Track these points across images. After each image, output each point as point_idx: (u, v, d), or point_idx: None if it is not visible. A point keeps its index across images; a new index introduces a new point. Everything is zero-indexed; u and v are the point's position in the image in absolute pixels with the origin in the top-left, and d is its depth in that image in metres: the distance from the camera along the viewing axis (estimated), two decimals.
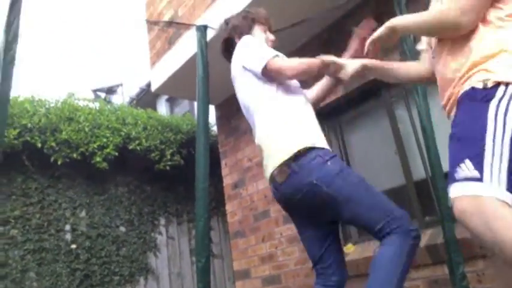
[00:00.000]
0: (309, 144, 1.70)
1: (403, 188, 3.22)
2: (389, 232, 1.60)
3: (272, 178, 1.77)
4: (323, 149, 1.73)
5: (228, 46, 2.11)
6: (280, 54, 1.85)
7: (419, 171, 3.11)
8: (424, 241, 2.79)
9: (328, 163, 1.67)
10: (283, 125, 1.77)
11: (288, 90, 1.87)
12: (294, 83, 1.94)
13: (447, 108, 1.43)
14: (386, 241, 1.61)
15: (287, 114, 1.79)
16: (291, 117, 1.79)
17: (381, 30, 1.52)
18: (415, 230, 1.63)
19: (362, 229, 1.69)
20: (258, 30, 2.05)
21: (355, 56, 1.97)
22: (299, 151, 1.69)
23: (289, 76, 1.83)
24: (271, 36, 2.08)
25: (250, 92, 1.88)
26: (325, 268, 1.80)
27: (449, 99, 1.41)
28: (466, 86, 1.30)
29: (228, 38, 2.10)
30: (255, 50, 1.88)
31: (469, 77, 1.31)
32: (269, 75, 1.82)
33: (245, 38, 1.96)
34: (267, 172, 1.82)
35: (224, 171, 4.73)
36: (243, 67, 1.88)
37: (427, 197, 3.02)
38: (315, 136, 1.77)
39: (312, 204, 1.71)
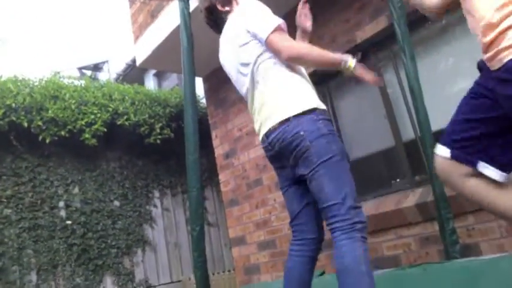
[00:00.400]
0: (314, 105, 1.75)
1: (393, 149, 3.27)
2: (336, 224, 1.62)
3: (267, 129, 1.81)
4: (323, 110, 1.77)
5: (210, 14, 2.07)
6: (281, 21, 1.83)
7: (408, 133, 3.16)
8: (414, 200, 2.87)
9: (320, 121, 1.71)
10: (289, 85, 1.80)
11: None
12: None
13: (487, 55, 1.33)
14: (342, 248, 1.61)
15: (293, 77, 1.82)
16: (296, 79, 1.82)
17: None
18: (363, 222, 1.65)
19: (316, 197, 1.71)
20: None
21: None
22: (304, 111, 1.72)
23: (285, 58, 1.80)
24: None
25: (252, 51, 1.85)
26: (301, 225, 1.84)
27: (487, 46, 1.30)
28: (506, 56, 1.22)
29: (208, 6, 2.05)
30: (258, 16, 1.86)
31: (500, 34, 1.23)
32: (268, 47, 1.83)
33: (246, 2, 1.93)
34: (264, 128, 1.83)
35: (215, 142, 4.75)
36: (247, 31, 1.85)
37: (416, 156, 3.07)
38: (316, 98, 1.80)
39: (291, 154, 1.74)
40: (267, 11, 1.88)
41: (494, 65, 1.29)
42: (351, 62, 1.76)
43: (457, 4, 1.45)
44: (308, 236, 1.82)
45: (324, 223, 1.77)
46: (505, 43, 1.23)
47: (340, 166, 1.69)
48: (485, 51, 1.32)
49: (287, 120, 1.72)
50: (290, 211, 1.90)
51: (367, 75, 1.79)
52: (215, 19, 2.05)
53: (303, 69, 1.91)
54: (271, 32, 1.77)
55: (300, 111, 1.71)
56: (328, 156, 1.67)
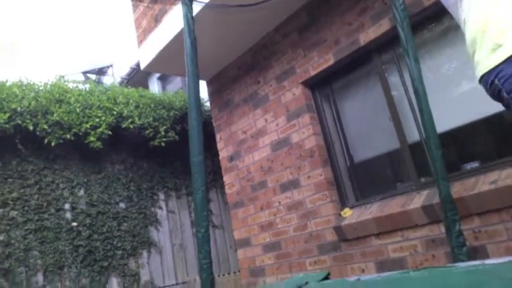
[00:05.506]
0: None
1: (398, 151, 3.26)
2: None
3: None
4: None
5: None
6: None
7: (413, 134, 3.14)
8: (420, 201, 2.86)
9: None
10: None
11: None
12: None
13: None
14: None
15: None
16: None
17: None
18: None
19: None
20: None
21: None
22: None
23: None
24: None
25: None
26: None
27: None
28: None
29: None
30: None
31: None
32: None
33: None
34: None
35: (219, 144, 4.75)
36: None
37: (421, 158, 3.06)
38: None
39: None
40: None
41: None
42: None
43: None
44: None
45: None
46: None
47: None
48: None
49: None
50: None
51: None
52: None
53: None
54: None
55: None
56: None
